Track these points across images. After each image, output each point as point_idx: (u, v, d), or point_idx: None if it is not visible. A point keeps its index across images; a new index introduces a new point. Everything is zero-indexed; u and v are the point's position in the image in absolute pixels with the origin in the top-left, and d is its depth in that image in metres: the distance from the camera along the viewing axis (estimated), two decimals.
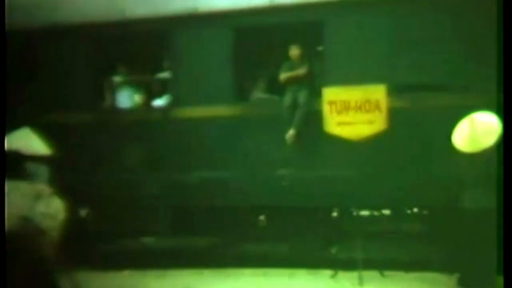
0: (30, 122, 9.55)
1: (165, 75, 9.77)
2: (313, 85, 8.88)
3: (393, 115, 8.26)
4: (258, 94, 9.43)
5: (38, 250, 5.95)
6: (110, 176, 9.43)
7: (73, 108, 9.64)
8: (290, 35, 8.91)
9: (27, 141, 6.23)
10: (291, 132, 8.71)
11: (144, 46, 9.75)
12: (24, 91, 9.99)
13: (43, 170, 6.19)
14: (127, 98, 9.97)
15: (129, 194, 9.38)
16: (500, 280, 5.67)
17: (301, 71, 8.90)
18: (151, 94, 9.96)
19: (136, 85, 10.06)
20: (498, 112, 7.00)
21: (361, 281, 8.09)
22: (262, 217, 9.71)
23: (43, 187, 6.11)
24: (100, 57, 9.67)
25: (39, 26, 9.72)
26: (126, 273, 9.22)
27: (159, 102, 9.73)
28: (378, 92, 8.27)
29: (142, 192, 9.35)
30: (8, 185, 6.08)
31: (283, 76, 8.96)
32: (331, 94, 8.55)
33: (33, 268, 6.01)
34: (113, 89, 9.98)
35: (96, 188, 9.28)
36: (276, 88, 9.21)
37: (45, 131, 9.32)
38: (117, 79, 9.98)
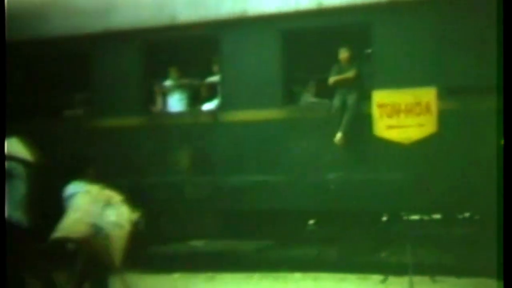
0: (81, 126, 9.94)
1: (214, 79, 9.84)
2: (362, 88, 8.80)
3: (443, 117, 8.13)
4: (307, 97, 9.39)
5: (102, 257, 6.07)
6: (160, 179, 9.52)
7: (125, 112, 9.78)
8: (338, 38, 8.85)
9: (17, 149, 6.23)
10: (339, 135, 8.65)
11: (194, 51, 9.84)
12: (76, 96, 10.23)
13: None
14: (177, 102, 10.06)
15: (179, 197, 9.46)
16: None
17: (350, 74, 8.82)
18: (200, 98, 10.04)
19: (186, 89, 10.14)
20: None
21: (411, 286, 7.97)
22: (311, 221, 9.67)
23: (113, 194, 6.23)
24: (151, 61, 9.79)
25: (92, 32, 9.88)
26: (176, 275, 9.29)
27: (208, 105, 9.79)
28: (428, 95, 8.15)
29: (191, 195, 9.42)
30: (77, 187, 6.23)
31: (332, 79, 8.91)
32: (380, 97, 8.46)
33: (92, 271, 6.14)
34: (164, 93, 10.09)
35: (146, 191, 9.38)
36: (325, 91, 9.15)
37: (97, 134, 9.69)
38: (167, 83, 10.08)
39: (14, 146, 6.14)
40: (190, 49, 9.82)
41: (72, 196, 6.19)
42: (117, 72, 9.87)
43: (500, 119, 6.86)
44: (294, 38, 9.05)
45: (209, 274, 9.16)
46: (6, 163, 5.89)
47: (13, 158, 5.99)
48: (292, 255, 10.00)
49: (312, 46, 9.27)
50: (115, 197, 6.27)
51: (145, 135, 9.69)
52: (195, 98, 10.08)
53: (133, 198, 6.45)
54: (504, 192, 5.22)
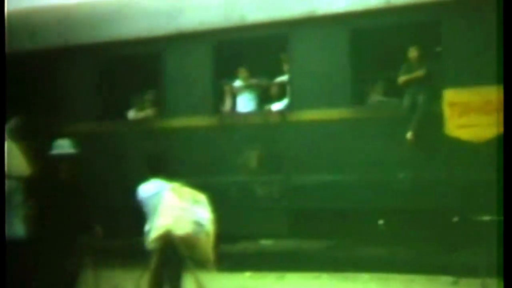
0: (151, 126, 10.13)
1: (283, 78, 9.87)
2: (432, 87, 8.67)
3: None
4: (376, 96, 9.31)
5: (202, 253, 6.20)
6: (229, 179, 9.62)
7: (194, 112, 9.92)
8: (407, 36, 8.74)
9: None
10: (409, 134, 8.55)
11: (263, 50, 9.89)
12: (147, 97, 10.41)
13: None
14: (246, 102, 10.14)
15: (248, 196, 9.53)
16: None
17: (420, 73, 8.71)
18: (270, 98, 10.08)
19: (255, 89, 10.21)
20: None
21: None
22: (381, 221, 9.58)
23: (195, 192, 6.36)
24: (221, 62, 9.90)
25: (163, 33, 10.06)
26: (247, 274, 9.37)
27: (277, 105, 9.83)
28: (498, 93, 7.95)
29: (260, 194, 9.48)
30: (159, 186, 6.37)
31: (402, 78, 8.81)
32: (451, 95, 8.33)
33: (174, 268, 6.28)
34: (233, 93, 10.18)
35: (216, 190, 9.48)
36: (393, 90, 9.06)
37: (167, 135, 9.86)
38: (237, 83, 10.17)
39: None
40: (259, 49, 9.88)
41: (155, 195, 6.32)
42: (187, 73, 10.01)
43: None
44: (363, 37, 8.99)
45: (279, 274, 9.19)
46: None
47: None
48: (361, 255, 9.93)
49: (381, 44, 9.18)
50: (198, 194, 6.39)
51: (214, 135, 9.81)
52: (264, 98, 10.13)
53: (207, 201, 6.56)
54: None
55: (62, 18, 10.88)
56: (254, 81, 10.19)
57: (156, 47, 10.09)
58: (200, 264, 6.33)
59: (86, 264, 6.48)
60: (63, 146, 6.65)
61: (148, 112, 10.32)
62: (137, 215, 6.57)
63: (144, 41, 10.10)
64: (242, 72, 10.22)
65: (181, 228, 6.09)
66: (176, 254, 6.12)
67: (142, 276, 6.35)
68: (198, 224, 6.17)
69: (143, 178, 6.65)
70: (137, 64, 10.19)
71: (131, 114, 10.41)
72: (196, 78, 9.95)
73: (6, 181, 6.24)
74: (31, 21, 11.00)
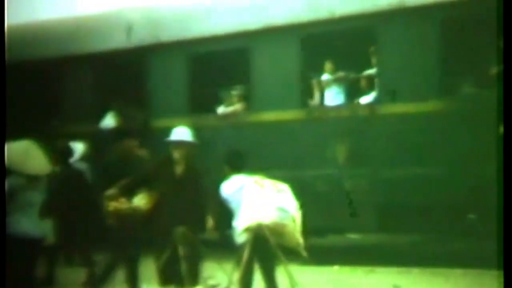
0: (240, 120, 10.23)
1: (372, 71, 9.79)
2: None
3: None
4: (466, 88, 9.11)
5: (290, 240, 6.29)
6: (317, 172, 9.61)
7: (283, 106, 9.94)
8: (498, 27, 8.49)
9: (24, 157, 6.55)
10: (502, 128, 8.32)
11: (351, 43, 9.83)
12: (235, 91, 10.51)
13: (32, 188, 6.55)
14: (335, 95, 10.11)
15: (335, 190, 9.50)
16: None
17: None
18: (358, 91, 10.02)
19: (344, 82, 10.16)
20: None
21: None
22: (471, 215, 9.37)
23: (277, 183, 6.43)
24: (308, 55, 9.89)
25: (251, 28, 10.14)
26: (336, 268, 9.35)
27: (366, 98, 9.75)
28: None
29: (348, 188, 9.43)
30: (242, 180, 6.47)
31: (494, 70, 8.58)
32: None
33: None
34: (322, 86, 10.16)
35: (304, 184, 9.50)
36: (484, 82, 8.84)
37: (256, 128, 9.94)
38: (325, 77, 10.14)
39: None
40: (347, 41, 9.82)
41: (239, 190, 6.40)
42: (275, 67, 10.05)
43: None
44: (453, 28, 8.80)
45: (368, 268, 9.13)
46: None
47: None
48: (453, 250, 9.73)
49: (472, 35, 8.97)
50: (280, 184, 6.44)
51: (302, 128, 9.81)
52: (353, 91, 10.08)
53: (291, 191, 6.60)
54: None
55: (154, 16, 11.11)
56: (342, 74, 10.15)
57: (244, 42, 10.17)
58: (291, 251, 6.37)
59: (183, 255, 6.60)
60: (182, 134, 6.70)
61: (237, 106, 10.42)
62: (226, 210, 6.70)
63: (232, 36, 10.19)
64: (329, 65, 10.19)
65: (267, 217, 6.17)
66: (267, 245, 6.17)
67: (234, 270, 6.43)
68: (283, 211, 6.24)
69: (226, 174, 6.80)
70: (225, 59, 10.30)
71: (221, 109, 10.52)
72: (284, 72, 9.96)
73: (14, 179, 6.44)
74: (125, 20, 11.27)
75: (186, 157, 6.92)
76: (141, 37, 10.97)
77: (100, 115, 11.33)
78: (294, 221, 6.29)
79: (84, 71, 11.51)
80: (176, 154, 6.89)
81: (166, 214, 6.72)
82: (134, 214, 6.83)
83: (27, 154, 6.56)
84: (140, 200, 6.91)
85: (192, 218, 6.67)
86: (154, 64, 10.87)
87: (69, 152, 9.18)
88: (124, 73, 11.04)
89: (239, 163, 6.81)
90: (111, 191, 6.88)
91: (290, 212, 6.26)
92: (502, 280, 5.02)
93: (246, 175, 6.59)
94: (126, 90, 11.29)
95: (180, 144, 6.92)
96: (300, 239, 6.34)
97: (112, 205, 6.85)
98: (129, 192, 6.95)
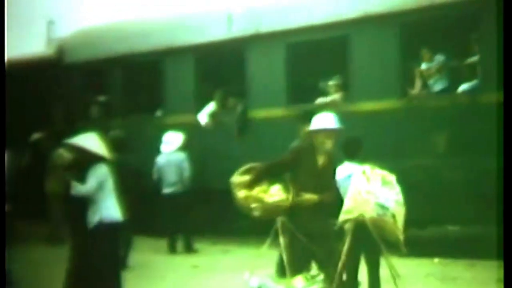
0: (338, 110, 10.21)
1: (473, 59, 9.55)
2: None
3: None
4: None
5: (390, 236, 6.26)
6: (417, 162, 9.47)
7: (382, 95, 9.85)
8: None
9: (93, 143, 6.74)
10: None
11: (451, 31, 9.63)
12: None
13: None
14: (435, 84, 9.95)
15: (435, 180, 9.35)
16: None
17: None
18: (460, 79, 9.80)
19: (445, 71, 9.96)
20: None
21: None
22: None
23: (385, 173, 6.39)
24: (408, 43, 9.75)
25: (350, 16, 10.07)
26: (436, 260, 9.23)
27: (467, 86, 9.53)
28: None
29: (448, 179, 9.26)
30: (352, 168, 6.46)
31: None
32: None
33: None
34: (422, 75, 10.01)
35: (403, 174, 9.35)
36: None
37: (354, 118, 9.90)
38: (425, 65, 9.98)
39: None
40: (447, 29, 9.62)
41: (348, 178, 6.41)
42: (374, 55, 9.97)
43: None
44: None
45: (469, 261, 8.95)
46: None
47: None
48: None
49: None
50: (388, 175, 6.39)
51: (401, 117, 9.70)
52: (454, 80, 9.86)
53: None
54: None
55: (254, 7, 11.22)
56: (443, 62, 9.95)
57: (342, 31, 10.12)
58: (391, 245, 6.32)
59: (283, 245, 6.67)
60: (332, 121, 6.42)
61: (335, 96, 10.40)
62: None
63: (331, 25, 10.17)
64: (427, 53, 10.02)
65: (366, 211, 6.12)
66: (369, 236, 6.15)
67: None
68: (383, 207, 6.15)
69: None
70: (323, 49, 10.29)
71: (319, 99, 10.53)
72: (383, 61, 9.87)
73: (103, 167, 6.72)
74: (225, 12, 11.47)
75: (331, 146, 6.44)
76: (241, 28, 11.11)
77: (201, 106, 11.59)
78: (394, 217, 6.20)
79: (186, 62, 11.78)
80: (329, 144, 6.34)
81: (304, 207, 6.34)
82: (276, 209, 6.43)
83: (101, 143, 6.83)
84: (279, 193, 6.46)
85: (328, 210, 6.45)
86: (254, 54, 11.00)
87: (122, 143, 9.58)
88: (224, 64, 11.25)
89: (353, 150, 6.75)
90: (244, 178, 6.54)
91: (390, 208, 6.18)
92: None
93: (357, 164, 6.55)
94: (226, 80, 11.52)
95: (332, 131, 6.35)
96: (400, 236, 6.24)
97: (246, 193, 6.49)
98: (263, 180, 6.52)
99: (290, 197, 6.34)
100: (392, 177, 6.38)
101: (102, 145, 6.82)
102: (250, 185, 6.47)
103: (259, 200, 6.42)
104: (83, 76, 13.42)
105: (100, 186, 6.64)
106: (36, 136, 11.91)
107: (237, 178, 6.58)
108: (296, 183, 6.36)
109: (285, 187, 6.47)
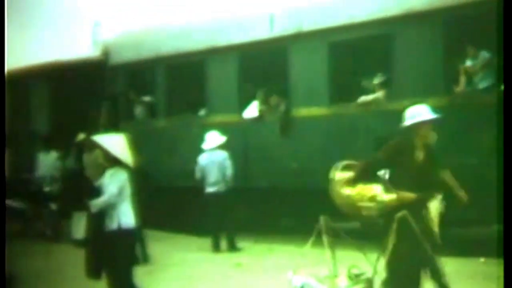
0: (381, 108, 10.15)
1: None
2: None
3: None
4: None
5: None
6: (461, 160, 9.35)
7: (426, 93, 9.75)
8: None
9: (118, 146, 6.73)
10: None
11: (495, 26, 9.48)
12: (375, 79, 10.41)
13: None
14: (480, 81, 9.81)
15: (479, 180, 9.22)
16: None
17: None
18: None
19: (489, 67, 9.82)
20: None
21: None
22: None
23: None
24: (452, 40, 9.64)
25: (393, 14, 10.00)
26: (482, 260, 9.11)
27: None
28: None
29: (491, 178, 9.12)
30: None
31: None
32: None
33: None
34: (467, 72, 9.88)
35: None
36: None
37: (396, 116, 9.81)
38: (469, 62, 9.85)
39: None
40: (491, 25, 9.48)
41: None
42: (417, 53, 9.88)
43: None
44: None
45: None
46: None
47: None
48: None
49: None
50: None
51: (446, 115, 9.56)
52: (500, 77, 9.71)
53: None
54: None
55: (295, 5, 11.24)
56: (488, 59, 9.80)
57: (386, 29, 10.06)
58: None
59: (326, 243, 6.67)
60: (425, 112, 6.12)
61: (378, 94, 10.34)
62: None
63: (374, 22, 10.12)
64: (471, 50, 9.87)
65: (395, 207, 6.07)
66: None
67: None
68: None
69: None
70: (366, 47, 10.24)
71: (362, 97, 10.48)
72: (427, 58, 9.79)
73: (124, 173, 6.71)
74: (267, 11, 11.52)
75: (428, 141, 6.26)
76: (283, 27, 11.13)
77: (244, 105, 11.65)
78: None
79: (229, 62, 11.86)
80: (432, 136, 6.21)
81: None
82: (390, 208, 6.12)
83: (126, 147, 6.82)
84: (385, 193, 6.15)
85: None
86: (296, 53, 11.01)
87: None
88: (267, 63, 11.28)
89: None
90: (345, 175, 6.29)
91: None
92: None
93: None
94: (269, 79, 11.55)
95: (432, 122, 6.13)
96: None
97: (354, 191, 6.22)
98: (364, 178, 6.23)
99: (397, 195, 6.04)
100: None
101: (127, 149, 6.82)
102: (353, 182, 6.23)
103: (372, 199, 6.15)
104: (127, 76, 13.64)
105: (120, 192, 6.65)
106: (81, 136, 12.10)
107: (338, 174, 6.33)
108: (396, 181, 6.09)
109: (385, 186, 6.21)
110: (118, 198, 6.62)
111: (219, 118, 11.86)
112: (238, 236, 10.94)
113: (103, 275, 6.69)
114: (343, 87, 10.60)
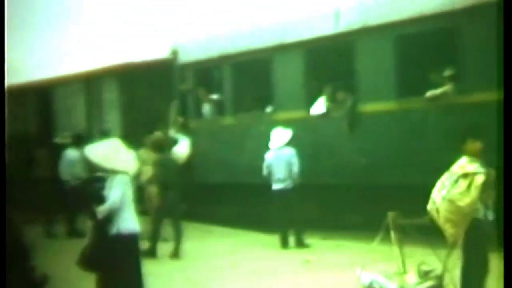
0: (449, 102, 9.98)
1: None
2: None
3: None
4: None
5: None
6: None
7: (492, 86, 9.53)
8: None
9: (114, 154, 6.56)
10: None
11: None
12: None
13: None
14: None
15: None
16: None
17: None
18: None
19: None
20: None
21: None
22: None
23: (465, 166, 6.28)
24: None
25: (460, 6, 9.81)
26: None
27: None
28: None
29: None
30: None
31: None
32: None
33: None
34: None
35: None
36: None
37: (467, 110, 9.64)
38: None
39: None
40: None
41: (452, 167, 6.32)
42: (485, 45, 9.65)
43: None
44: None
45: None
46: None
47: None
48: None
49: None
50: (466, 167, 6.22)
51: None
52: None
53: None
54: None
55: (360, 1, 11.17)
56: None
57: (455, 21, 9.86)
58: None
59: (395, 239, 6.64)
60: None
61: (446, 88, 10.15)
62: None
63: (441, 16, 9.94)
64: None
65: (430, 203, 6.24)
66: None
67: (449, 255, 6.34)
68: (434, 203, 6.22)
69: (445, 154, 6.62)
70: (433, 40, 10.07)
71: (430, 91, 10.31)
72: (496, 50, 9.54)
73: (124, 177, 6.58)
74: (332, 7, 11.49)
75: None
76: (349, 22, 11.08)
77: (311, 101, 11.65)
78: (437, 212, 6.20)
79: (295, 58, 11.89)
80: None
81: None
82: None
83: (118, 151, 6.70)
84: None
85: None
86: (362, 48, 10.93)
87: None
88: (333, 58, 11.24)
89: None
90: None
91: (437, 203, 6.19)
92: None
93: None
94: (335, 75, 11.50)
95: None
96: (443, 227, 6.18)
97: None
98: None
99: None
100: (446, 174, 6.30)
101: (124, 153, 6.75)
102: None
103: None
104: (196, 75, 13.85)
105: (123, 196, 6.55)
106: (158, 135, 12.29)
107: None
108: None
109: None
110: (120, 203, 6.53)
111: (286, 114, 11.89)
112: (306, 232, 10.95)
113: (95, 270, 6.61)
114: (410, 81, 10.44)
